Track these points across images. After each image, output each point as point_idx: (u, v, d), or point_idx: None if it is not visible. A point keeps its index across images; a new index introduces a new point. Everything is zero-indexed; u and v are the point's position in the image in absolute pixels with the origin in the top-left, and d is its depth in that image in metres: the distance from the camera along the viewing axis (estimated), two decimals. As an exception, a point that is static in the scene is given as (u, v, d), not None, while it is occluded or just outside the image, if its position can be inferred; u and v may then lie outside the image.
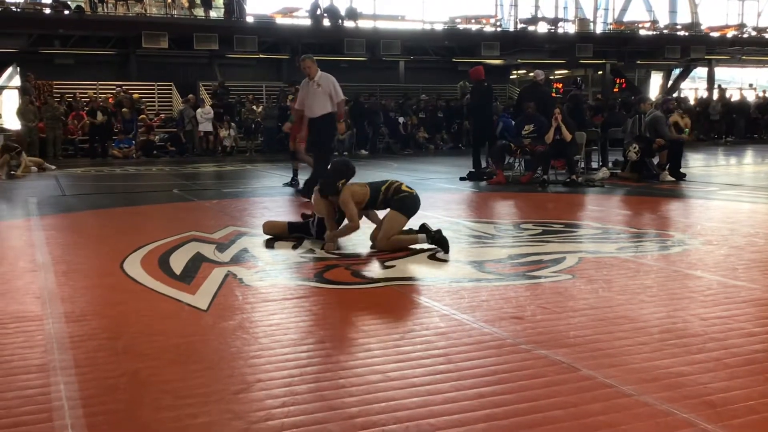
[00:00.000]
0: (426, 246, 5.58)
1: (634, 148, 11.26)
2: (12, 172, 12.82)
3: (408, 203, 5.63)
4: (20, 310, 3.99)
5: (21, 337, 3.50)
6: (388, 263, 5.16)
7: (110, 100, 19.48)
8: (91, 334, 3.55)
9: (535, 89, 12.14)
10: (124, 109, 18.78)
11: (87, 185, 11.95)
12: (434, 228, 5.62)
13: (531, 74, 13.28)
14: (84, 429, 2.46)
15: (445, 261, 5.26)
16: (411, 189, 5.76)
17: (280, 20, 24.13)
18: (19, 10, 20.73)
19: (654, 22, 29.56)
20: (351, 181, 5.78)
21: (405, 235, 5.62)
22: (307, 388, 2.82)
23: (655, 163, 11.54)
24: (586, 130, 12.20)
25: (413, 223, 5.74)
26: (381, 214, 5.85)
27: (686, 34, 28.68)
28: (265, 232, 6.21)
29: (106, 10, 21.26)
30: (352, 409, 2.60)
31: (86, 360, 3.15)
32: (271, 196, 9.75)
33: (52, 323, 3.69)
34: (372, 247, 5.65)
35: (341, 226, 5.83)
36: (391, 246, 5.52)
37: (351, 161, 6.15)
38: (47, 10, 20.93)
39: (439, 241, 5.50)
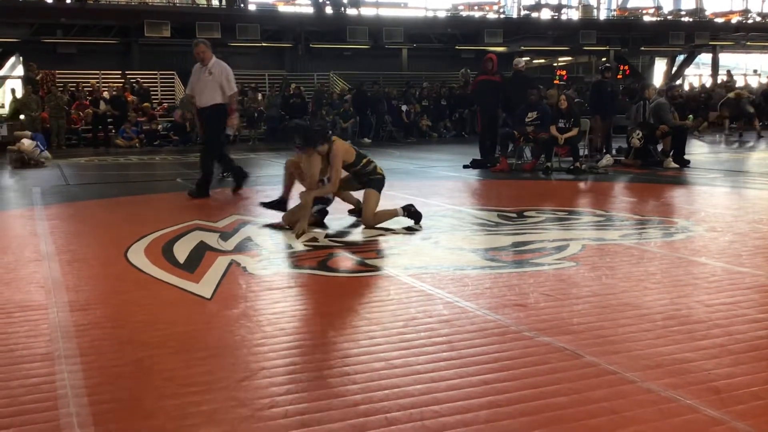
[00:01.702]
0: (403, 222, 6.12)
1: (638, 134, 11.22)
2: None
3: (381, 183, 6.22)
4: (25, 299, 4.00)
5: (26, 326, 3.51)
6: (392, 251, 5.16)
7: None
8: (96, 322, 3.56)
9: (518, 77, 12.08)
10: (131, 98, 18.80)
11: (91, 175, 11.97)
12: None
13: (525, 59, 13.20)
14: (89, 417, 2.47)
15: (449, 248, 5.26)
16: (383, 171, 6.32)
17: (283, 8, 24.08)
18: (21, -1, 20.71)
19: (658, 8, 29.44)
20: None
21: (387, 210, 6.17)
22: (311, 375, 2.82)
23: (659, 149, 11.51)
24: (611, 116, 12.25)
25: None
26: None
27: (690, 20, 28.54)
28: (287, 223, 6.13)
29: (108, -2, 21.24)
30: (356, 396, 2.61)
31: (91, 349, 3.16)
32: (274, 185, 9.73)
33: (57, 312, 3.70)
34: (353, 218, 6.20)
35: (320, 188, 6.04)
36: (378, 221, 6.06)
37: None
38: (49, 0, 20.90)
39: (413, 214, 6.13)
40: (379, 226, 6.03)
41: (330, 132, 6.21)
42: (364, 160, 6.14)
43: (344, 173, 6.11)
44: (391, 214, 6.14)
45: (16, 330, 3.46)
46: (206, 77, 8.19)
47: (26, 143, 13.19)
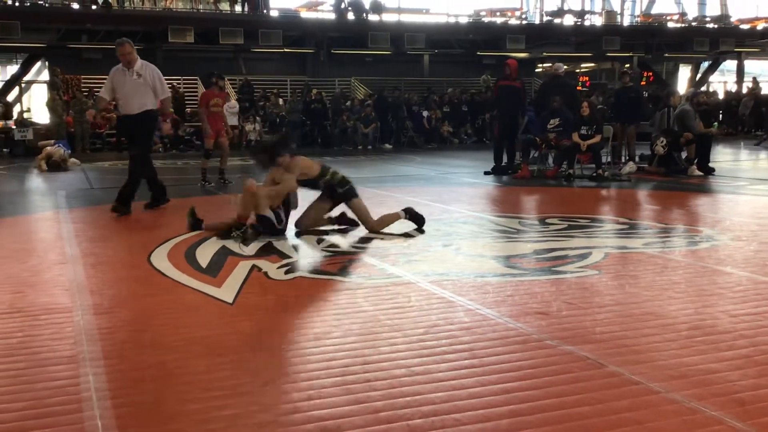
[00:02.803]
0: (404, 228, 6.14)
1: (662, 141, 11.13)
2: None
3: (355, 191, 6.21)
4: (50, 302, 4.04)
5: (51, 328, 3.55)
6: (412, 258, 5.16)
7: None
8: (119, 326, 3.60)
9: (556, 82, 12.00)
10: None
11: (114, 178, 12.05)
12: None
13: (546, 65, 13.12)
14: (112, 420, 2.49)
15: (470, 255, 5.25)
16: (349, 180, 6.28)
17: (305, 14, 24.18)
18: (47, 5, 20.99)
19: (682, 14, 29.18)
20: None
21: (389, 214, 6.23)
22: (333, 381, 2.82)
23: (683, 157, 11.40)
24: (634, 123, 12.19)
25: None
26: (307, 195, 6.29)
27: (715, 26, 28.26)
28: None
29: (132, 5, 21.45)
30: (377, 404, 2.61)
31: (114, 352, 3.19)
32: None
33: (81, 315, 3.74)
34: (298, 234, 6.10)
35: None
36: (382, 226, 6.12)
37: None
38: (75, 5, 21.17)
39: (414, 217, 6.19)
40: (383, 231, 6.07)
41: (293, 145, 6.30)
42: (330, 171, 6.18)
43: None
44: (393, 217, 6.20)
45: (41, 332, 3.50)
46: (135, 81, 7.40)
47: (51, 150, 13.46)
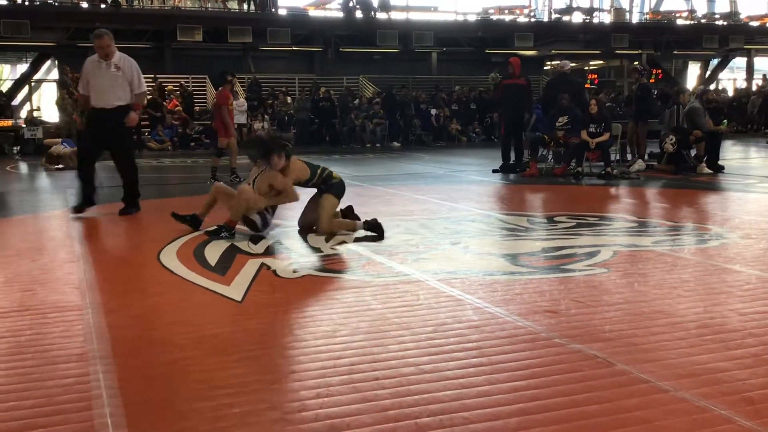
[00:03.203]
0: (362, 233, 5.90)
1: (671, 139, 11.09)
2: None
3: (339, 188, 6.07)
4: (60, 300, 4.07)
5: (61, 326, 3.57)
6: (421, 256, 5.17)
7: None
8: (129, 324, 3.61)
9: (563, 79, 11.97)
10: (176, 103, 19.13)
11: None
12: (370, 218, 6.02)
13: (555, 63, 13.05)
14: (123, 418, 2.51)
15: (478, 253, 5.25)
16: (339, 176, 6.18)
17: (313, 12, 24.24)
18: (56, 4, 21.09)
19: (691, 11, 29.08)
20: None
21: (346, 221, 6.03)
22: (341, 379, 2.83)
23: (693, 155, 11.36)
24: (653, 119, 12.16)
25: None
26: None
27: (725, 23, 28.13)
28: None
29: (141, 3, 21.52)
30: (386, 402, 2.61)
31: (124, 350, 3.21)
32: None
33: (91, 313, 3.76)
34: (301, 232, 6.05)
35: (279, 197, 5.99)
36: (333, 228, 5.92)
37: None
38: (84, 4, 21.27)
39: (373, 227, 5.85)
40: (335, 238, 5.79)
41: (289, 146, 6.07)
42: (319, 170, 6.05)
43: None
44: (349, 225, 5.96)
45: (51, 330, 3.52)
46: (113, 74, 7.13)
47: (60, 149, 13.53)
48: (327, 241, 5.72)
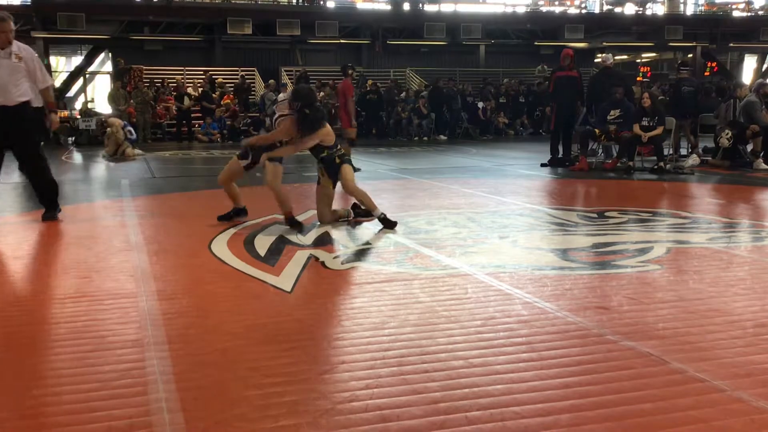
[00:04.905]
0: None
1: (727, 134, 10.81)
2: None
3: (352, 163, 6.45)
4: (115, 287, 4.16)
5: (117, 313, 3.66)
6: (468, 249, 5.14)
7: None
8: (182, 311, 3.68)
9: (606, 73, 11.67)
10: (218, 95, 19.40)
11: (175, 168, 12.34)
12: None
13: (602, 56, 12.73)
14: (177, 403, 2.56)
15: (527, 248, 5.20)
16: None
17: (361, 5, 24.28)
18: (111, -3, 21.53)
19: (748, 2, 28.26)
20: None
21: (368, 196, 6.19)
22: (390, 371, 2.84)
23: (749, 150, 11.06)
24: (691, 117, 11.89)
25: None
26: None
27: (784, 14, 27.29)
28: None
29: (193, -3, 21.87)
30: (435, 394, 2.61)
31: (178, 336, 3.27)
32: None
33: (146, 300, 3.84)
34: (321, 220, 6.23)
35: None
36: (359, 195, 6.16)
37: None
38: (138, -1, 21.69)
39: (384, 221, 5.98)
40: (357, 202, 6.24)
41: (324, 119, 6.43)
42: (339, 146, 6.39)
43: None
44: (371, 205, 6.09)
45: (107, 317, 3.61)
46: (13, 64, 6.12)
47: (116, 122, 14.00)
48: (376, 233, 5.73)
